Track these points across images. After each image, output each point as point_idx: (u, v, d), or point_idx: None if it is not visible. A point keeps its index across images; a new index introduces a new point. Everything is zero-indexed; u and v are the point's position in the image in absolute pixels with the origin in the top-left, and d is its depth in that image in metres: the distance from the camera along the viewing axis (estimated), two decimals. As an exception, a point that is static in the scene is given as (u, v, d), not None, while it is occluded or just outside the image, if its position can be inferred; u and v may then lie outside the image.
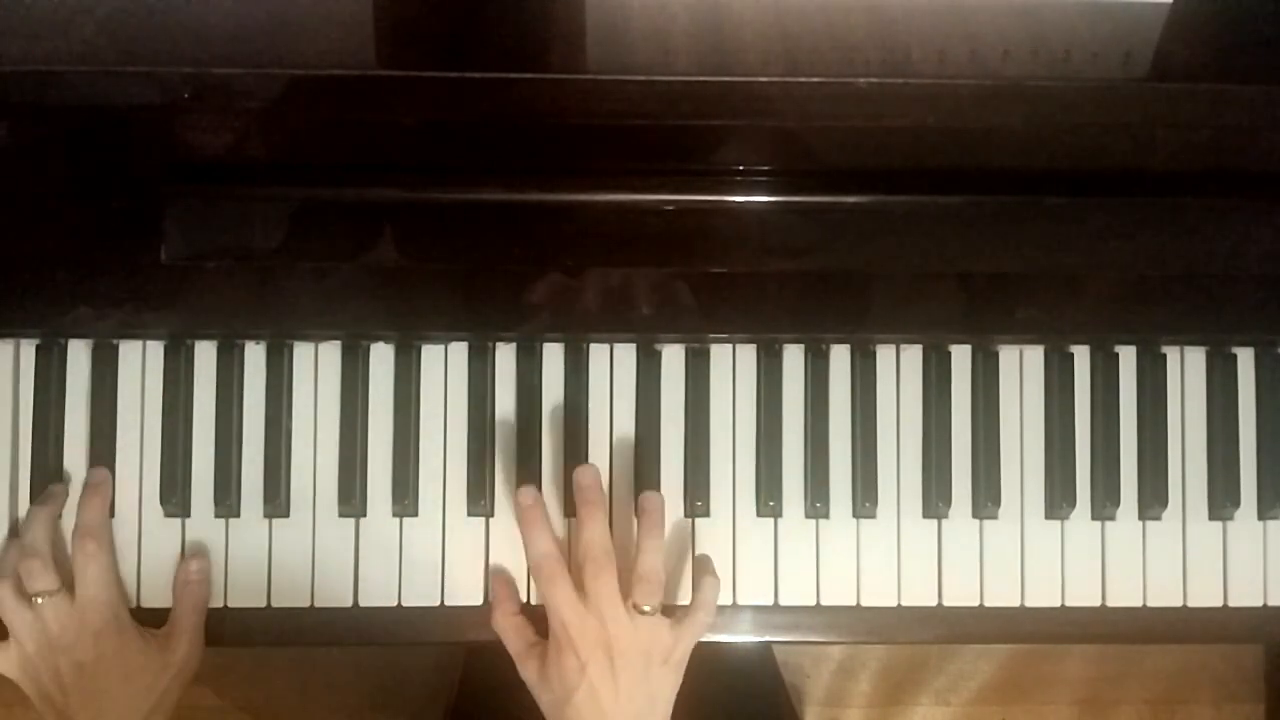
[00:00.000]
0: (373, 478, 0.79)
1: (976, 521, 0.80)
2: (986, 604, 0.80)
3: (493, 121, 0.74)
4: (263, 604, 0.78)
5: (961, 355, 0.81)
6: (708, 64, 0.76)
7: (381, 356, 0.79)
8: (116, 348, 0.79)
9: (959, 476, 0.80)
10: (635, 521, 0.76)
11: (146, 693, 0.74)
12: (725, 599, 0.78)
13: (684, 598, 0.78)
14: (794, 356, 0.80)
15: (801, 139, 0.76)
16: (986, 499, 0.79)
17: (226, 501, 0.78)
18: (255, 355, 0.79)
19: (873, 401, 0.80)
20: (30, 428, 0.78)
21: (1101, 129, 0.76)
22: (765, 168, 0.76)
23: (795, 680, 1.45)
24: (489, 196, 0.75)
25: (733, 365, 0.80)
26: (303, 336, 0.79)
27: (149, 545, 0.78)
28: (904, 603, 0.80)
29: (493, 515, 0.79)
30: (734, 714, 1.00)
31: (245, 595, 0.78)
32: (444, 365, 0.80)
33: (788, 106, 0.74)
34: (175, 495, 0.78)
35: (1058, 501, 0.80)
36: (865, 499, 0.79)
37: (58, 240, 0.76)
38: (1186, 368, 0.81)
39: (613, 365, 0.80)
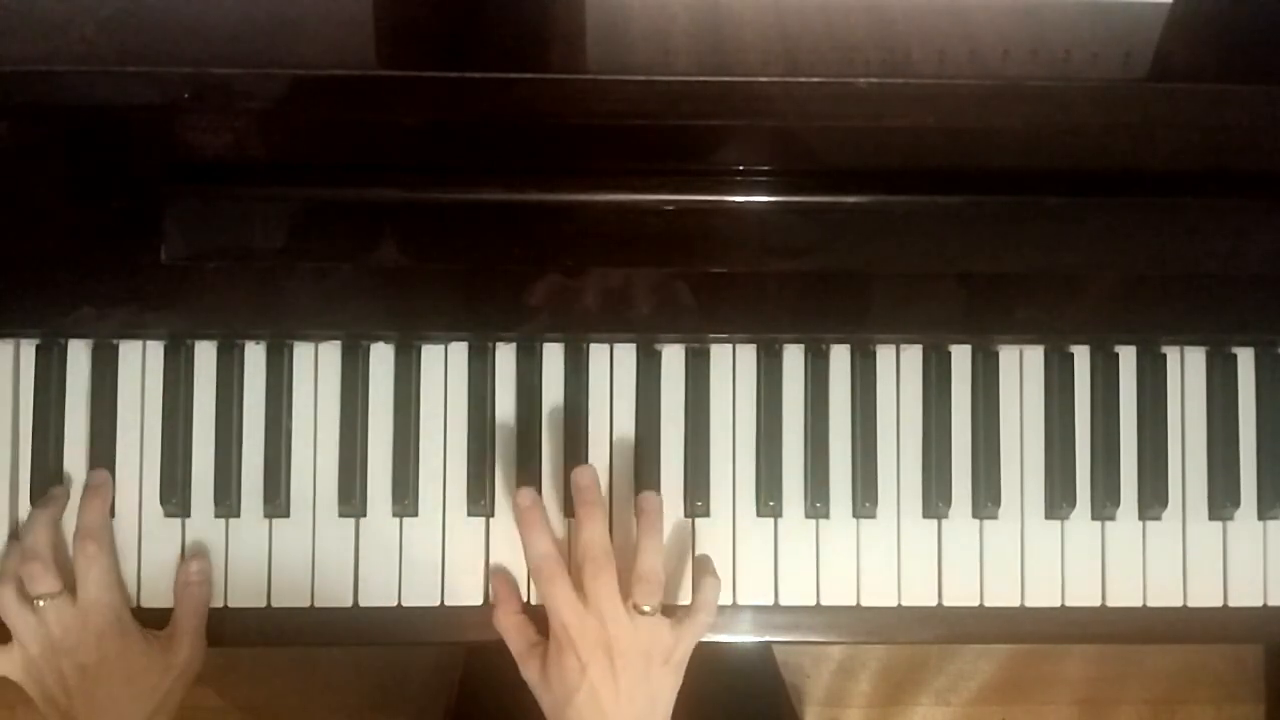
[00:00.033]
0: (373, 478, 0.79)
1: (976, 521, 0.80)
2: (986, 604, 0.80)
3: (493, 121, 0.74)
4: (263, 604, 0.78)
5: (961, 355, 0.81)
6: (708, 64, 0.76)
7: (381, 356, 0.79)
8: (116, 348, 0.79)
9: (959, 476, 0.80)
10: (635, 522, 0.76)
11: (149, 694, 0.74)
12: (725, 599, 0.78)
13: (684, 598, 0.78)
14: (794, 356, 0.80)
15: (801, 139, 0.76)
16: (986, 499, 0.79)
17: (226, 502, 0.78)
18: (255, 355, 0.79)
19: (873, 401, 0.80)
20: (30, 428, 0.78)
21: (1101, 129, 0.76)
22: (765, 168, 0.76)
23: (795, 680, 1.45)
24: (489, 196, 0.75)
25: (733, 365, 0.80)
26: (303, 336, 0.79)
27: (149, 545, 0.78)
28: (904, 603, 0.80)
29: (493, 515, 0.79)
30: (734, 714, 1.00)
31: (245, 595, 0.78)
32: (444, 365, 0.80)
33: (788, 106, 0.74)
34: (175, 495, 0.78)
35: (1058, 501, 0.80)
36: (865, 499, 0.79)
37: (58, 240, 0.76)
38: (1186, 368, 0.81)
39: (613, 365, 0.80)
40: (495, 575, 0.79)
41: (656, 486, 0.79)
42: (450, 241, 0.75)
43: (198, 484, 0.78)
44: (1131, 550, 0.80)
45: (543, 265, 0.76)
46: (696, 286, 0.77)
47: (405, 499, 0.78)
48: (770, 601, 0.79)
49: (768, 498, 0.79)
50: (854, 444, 0.80)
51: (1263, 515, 0.81)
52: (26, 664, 0.74)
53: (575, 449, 0.79)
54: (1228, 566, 0.81)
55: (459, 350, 0.80)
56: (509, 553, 0.78)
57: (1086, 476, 0.80)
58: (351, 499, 0.78)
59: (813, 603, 0.79)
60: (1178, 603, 0.80)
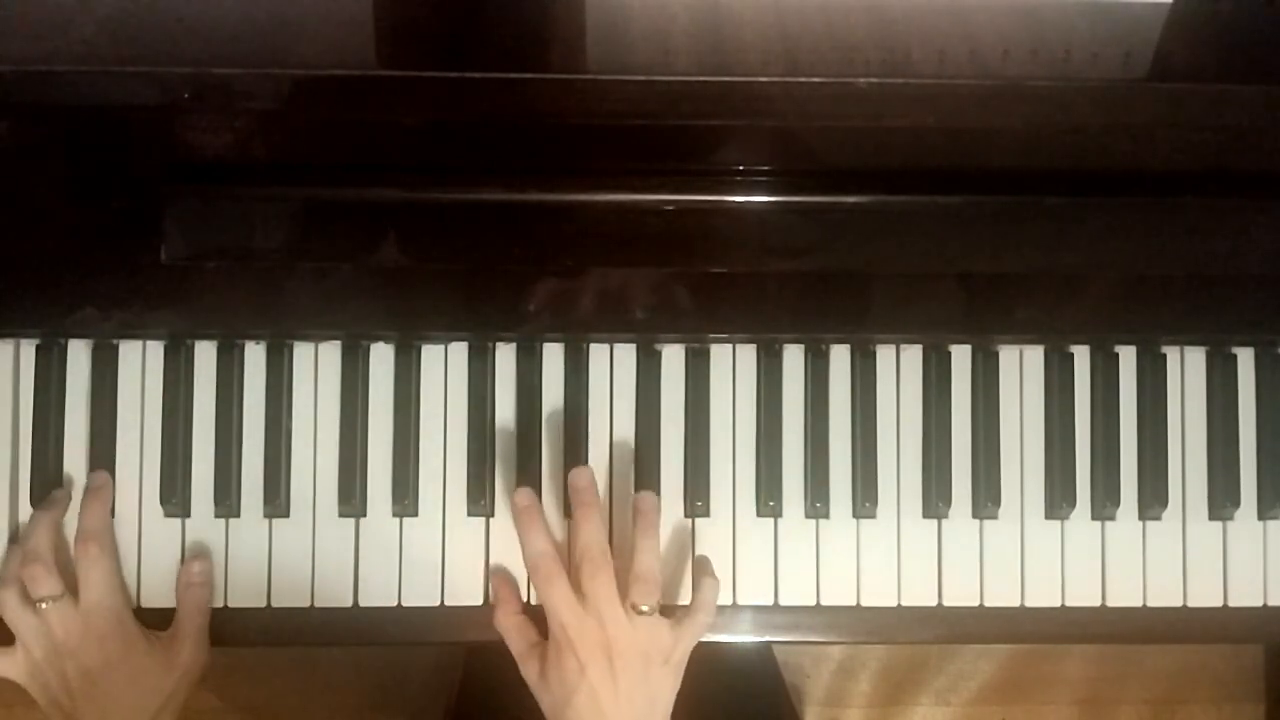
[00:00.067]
0: (373, 478, 0.79)
1: (976, 521, 0.80)
2: (986, 604, 0.80)
3: (493, 121, 0.74)
4: (263, 604, 0.78)
5: (961, 355, 0.81)
6: (708, 64, 0.76)
7: (381, 356, 0.79)
8: (116, 348, 0.79)
9: (959, 476, 0.80)
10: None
11: (153, 695, 0.74)
12: (725, 599, 0.78)
13: (684, 598, 0.78)
14: (794, 356, 0.80)
15: (801, 139, 0.76)
16: (986, 499, 0.79)
17: (226, 502, 0.78)
18: (255, 355, 0.79)
19: (873, 401, 0.80)
20: (30, 428, 0.78)
21: (1101, 129, 0.76)
22: (765, 168, 0.76)
23: (795, 680, 1.45)
24: (489, 196, 0.75)
25: (733, 365, 0.80)
26: (303, 336, 0.79)
27: (149, 546, 0.78)
28: (904, 603, 0.80)
29: (493, 515, 0.79)
30: (734, 714, 1.00)
31: (245, 595, 0.78)
32: (444, 365, 0.80)
33: (788, 106, 0.74)
34: (175, 495, 0.78)
35: (1058, 501, 0.80)
36: (865, 499, 0.79)
37: (58, 240, 0.76)
38: (1186, 368, 0.81)
39: (613, 365, 0.80)
40: (495, 575, 0.79)
41: (656, 486, 0.79)
42: (450, 241, 0.75)
43: (198, 484, 0.78)
44: (1131, 550, 0.80)
45: (543, 265, 0.76)
46: (696, 286, 0.77)
47: (405, 499, 0.78)
48: (770, 601, 0.79)
49: (768, 498, 0.79)
50: (854, 444, 0.80)
51: (1263, 515, 0.81)
52: (30, 667, 0.74)
53: (575, 449, 0.79)
54: (1228, 566, 0.81)
55: (459, 350, 0.80)
56: (509, 553, 0.78)
57: (1086, 476, 0.80)
58: (351, 499, 0.78)
59: (813, 603, 0.79)
60: (1178, 603, 0.80)
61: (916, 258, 0.76)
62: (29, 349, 0.79)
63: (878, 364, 0.80)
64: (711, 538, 0.80)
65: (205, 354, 0.79)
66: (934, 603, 0.80)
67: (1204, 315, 0.78)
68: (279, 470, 0.78)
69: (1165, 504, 0.80)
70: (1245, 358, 0.81)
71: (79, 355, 0.79)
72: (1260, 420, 0.81)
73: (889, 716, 1.46)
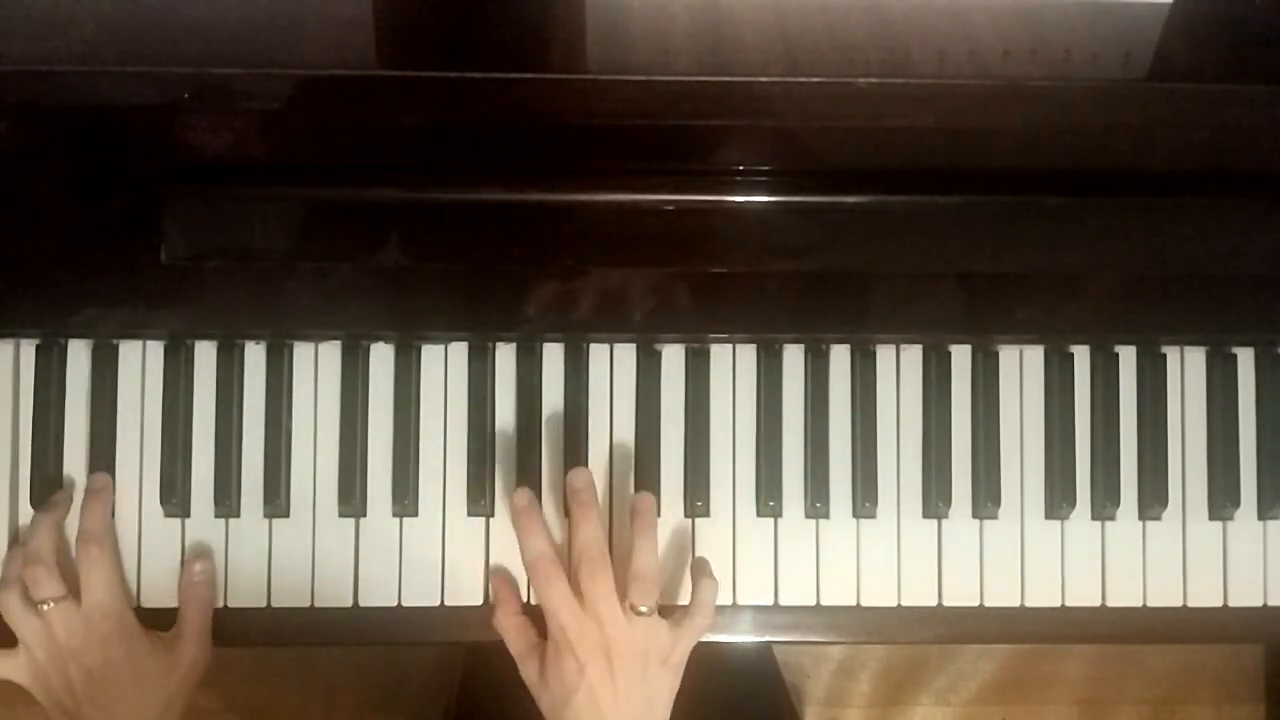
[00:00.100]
0: (373, 478, 0.79)
1: (976, 521, 0.80)
2: (986, 604, 0.80)
3: (493, 121, 0.74)
4: (263, 604, 0.78)
5: (961, 355, 0.81)
6: (708, 64, 0.76)
7: (381, 356, 0.79)
8: (116, 348, 0.79)
9: (959, 476, 0.80)
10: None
11: (156, 696, 0.74)
12: (725, 599, 0.78)
13: (684, 598, 0.78)
14: (794, 356, 0.80)
15: (801, 139, 0.76)
16: (986, 499, 0.79)
17: (226, 502, 0.78)
18: (255, 355, 0.79)
19: (873, 401, 0.80)
20: (30, 428, 0.78)
21: (1101, 129, 0.76)
22: (765, 168, 0.76)
23: (795, 680, 1.45)
24: (489, 196, 0.75)
25: (733, 365, 0.80)
26: (303, 336, 0.79)
27: (149, 546, 0.78)
28: (904, 603, 0.80)
29: (493, 515, 0.79)
30: (734, 714, 1.00)
31: (245, 595, 0.78)
32: (444, 365, 0.80)
33: (788, 106, 0.74)
34: (175, 495, 0.78)
35: (1058, 501, 0.80)
36: (865, 499, 0.79)
37: (58, 240, 0.76)
38: (1186, 368, 0.81)
39: (613, 365, 0.80)
40: (495, 576, 0.79)
41: (656, 487, 0.79)
42: (450, 241, 0.75)
43: (198, 484, 0.78)
44: (1131, 550, 0.80)
45: (543, 265, 0.76)
46: (696, 286, 0.77)
47: (405, 499, 0.78)
48: (770, 601, 0.79)
49: (768, 498, 0.79)
50: (854, 444, 0.80)
51: (1263, 515, 0.81)
52: (33, 669, 0.74)
53: (575, 449, 0.79)
54: (1228, 566, 0.81)
55: (459, 350, 0.80)
56: (509, 553, 0.78)
57: (1086, 476, 0.80)
58: (351, 499, 0.78)
59: (813, 603, 0.79)
60: (1178, 603, 0.80)
61: (916, 258, 0.76)
62: (29, 349, 0.79)
63: (878, 364, 0.80)
64: (711, 538, 0.80)
65: (205, 354, 0.79)
66: (934, 603, 0.80)
67: (1204, 315, 0.78)
68: (279, 470, 0.78)
69: (1165, 504, 0.80)
70: (1245, 358, 0.81)
71: (79, 355, 0.79)
72: (1260, 420, 0.81)
73: (889, 716, 1.46)
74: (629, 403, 0.80)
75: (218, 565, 0.78)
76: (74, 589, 0.74)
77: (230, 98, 0.73)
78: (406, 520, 0.79)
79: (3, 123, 0.74)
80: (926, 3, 0.79)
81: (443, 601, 0.79)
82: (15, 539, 0.78)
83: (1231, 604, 0.80)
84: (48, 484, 0.78)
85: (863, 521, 0.80)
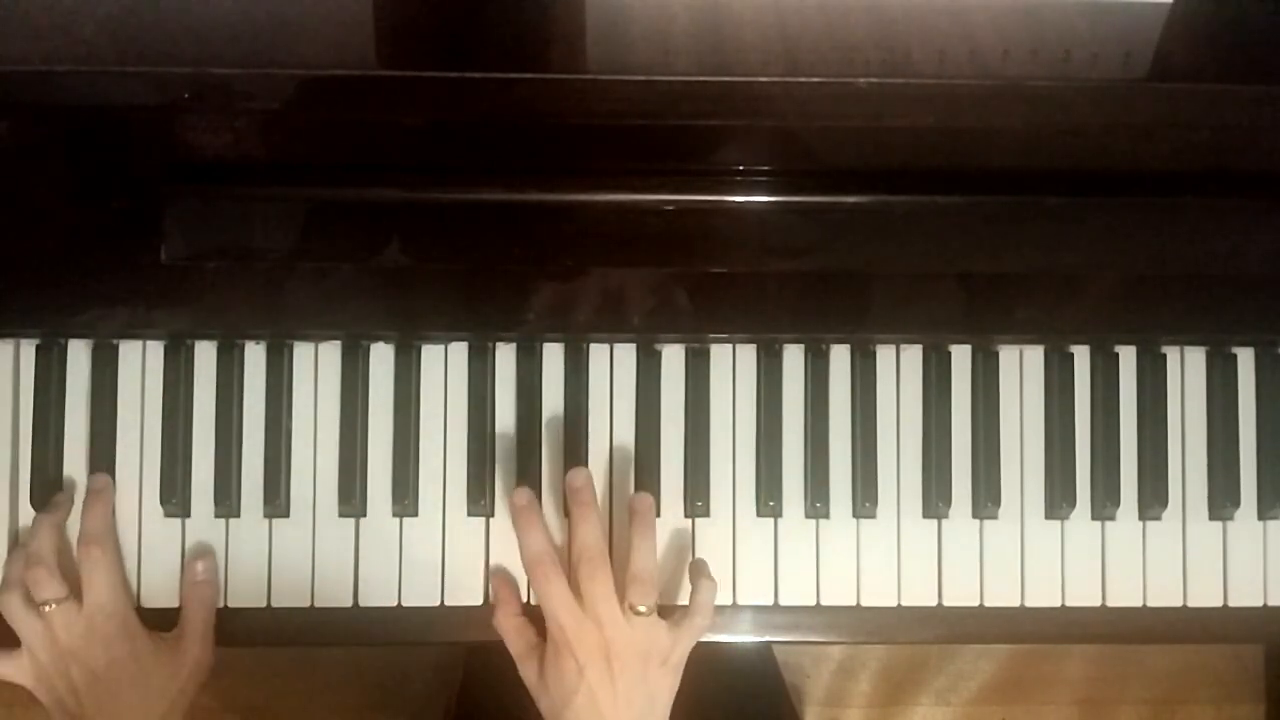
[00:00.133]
0: (373, 478, 0.79)
1: (976, 521, 0.80)
2: (986, 604, 0.80)
3: (493, 121, 0.74)
4: (263, 604, 0.78)
5: (961, 355, 0.81)
6: (708, 64, 0.76)
7: (381, 356, 0.79)
8: (116, 348, 0.79)
9: (959, 476, 0.80)
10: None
11: (159, 696, 0.74)
12: (725, 599, 0.78)
13: (684, 599, 0.78)
14: (794, 356, 0.80)
15: (801, 139, 0.76)
16: (986, 499, 0.79)
17: (226, 502, 0.78)
18: (255, 355, 0.79)
19: (873, 401, 0.80)
20: (30, 428, 0.78)
21: (1101, 129, 0.76)
22: (765, 168, 0.76)
23: (795, 680, 1.45)
24: (489, 196, 0.75)
25: (733, 365, 0.80)
26: (303, 336, 0.79)
27: (149, 546, 0.78)
28: (904, 603, 0.80)
29: (493, 515, 0.79)
30: (734, 714, 1.00)
31: (245, 595, 0.78)
32: (444, 365, 0.80)
33: (788, 106, 0.74)
34: (175, 496, 0.78)
35: (1058, 501, 0.80)
36: (865, 499, 0.79)
37: (58, 240, 0.76)
38: (1186, 368, 0.81)
39: (613, 365, 0.80)
40: (495, 576, 0.79)
41: (656, 487, 0.79)
42: (450, 241, 0.75)
43: (198, 484, 0.78)
44: (1131, 550, 0.80)
45: (543, 265, 0.76)
46: (696, 286, 0.77)
47: (405, 499, 0.78)
48: (770, 601, 0.79)
49: (768, 498, 0.79)
50: (854, 444, 0.80)
51: (1263, 515, 0.81)
52: (36, 670, 0.74)
53: (575, 449, 0.79)
54: (1228, 566, 0.81)
55: (459, 350, 0.80)
56: (509, 553, 0.78)
57: (1086, 476, 0.80)
58: (351, 499, 0.78)
59: (813, 603, 0.79)
60: (1178, 603, 0.80)
61: (916, 258, 0.76)
62: (29, 349, 0.79)
63: (878, 364, 0.80)
64: (711, 538, 0.80)
65: (205, 354, 0.79)
66: (934, 603, 0.80)
67: (1204, 315, 0.78)
68: (279, 470, 0.78)
69: (1165, 504, 0.80)
70: (1245, 358, 0.81)
71: (79, 355, 0.79)
72: (1260, 420, 0.81)
73: (889, 716, 1.46)
74: (629, 403, 0.80)
75: (218, 565, 0.78)
76: (76, 590, 0.74)
77: (230, 98, 0.73)
78: (406, 520, 0.79)
79: (3, 123, 0.74)
80: (926, 3, 0.79)
81: (443, 601, 0.79)
82: (15, 539, 0.78)
83: (1231, 604, 0.80)
84: (48, 484, 0.78)
85: (863, 521, 0.80)
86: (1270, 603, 0.81)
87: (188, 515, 0.79)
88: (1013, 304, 0.78)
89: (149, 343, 0.79)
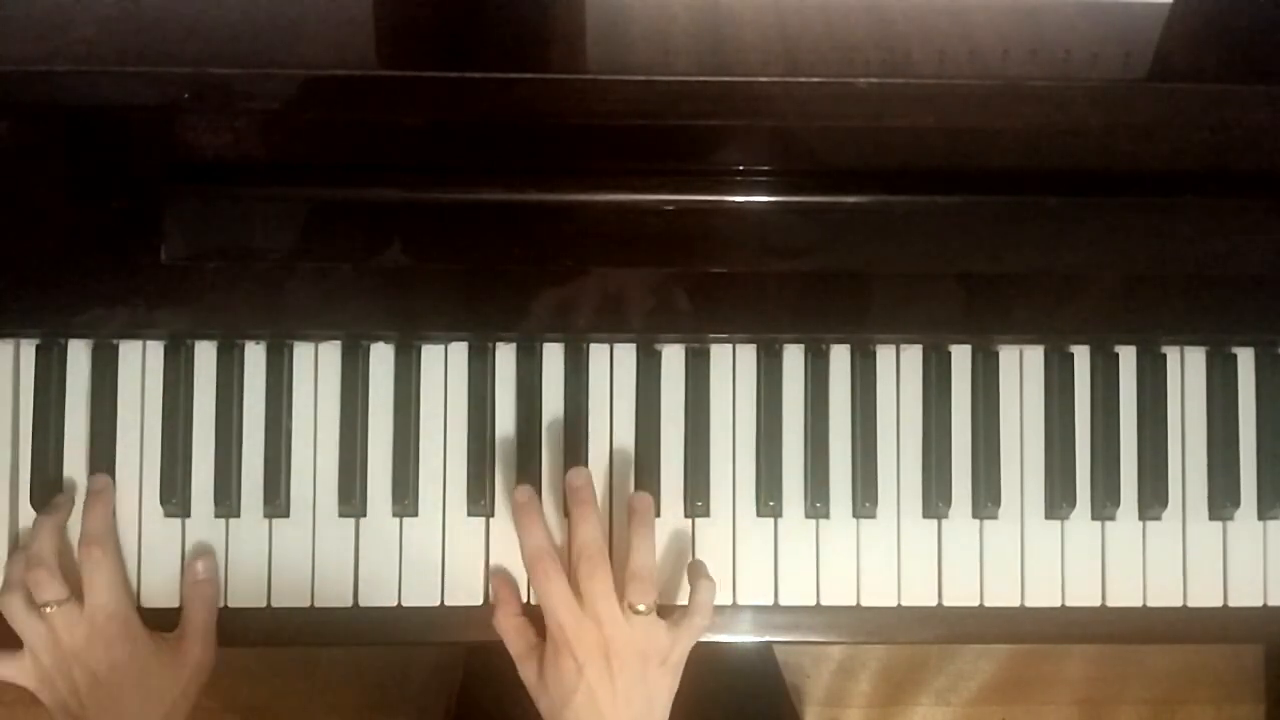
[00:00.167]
0: (373, 478, 0.79)
1: (976, 521, 0.80)
2: (986, 604, 0.80)
3: (493, 121, 0.74)
4: (263, 604, 0.78)
5: (961, 355, 0.81)
6: (708, 64, 0.76)
7: (381, 356, 0.79)
8: (116, 348, 0.79)
9: (959, 476, 0.80)
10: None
11: (162, 697, 0.74)
12: (725, 599, 0.78)
13: (684, 599, 0.78)
14: (794, 356, 0.80)
15: (801, 139, 0.76)
16: (986, 499, 0.79)
17: (226, 502, 0.78)
18: (255, 355, 0.79)
19: (873, 401, 0.80)
20: (30, 428, 0.78)
21: (1101, 129, 0.76)
22: (765, 168, 0.76)
23: (795, 680, 1.45)
24: (489, 196, 0.75)
25: (733, 365, 0.80)
26: (303, 336, 0.79)
27: (149, 546, 0.78)
28: (904, 603, 0.80)
29: (493, 515, 0.79)
30: (734, 714, 1.00)
31: (245, 595, 0.78)
32: (444, 365, 0.80)
33: (788, 106, 0.74)
34: (175, 495, 0.78)
35: (1058, 501, 0.80)
36: (865, 499, 0.79)
37: (58, 240, 0.76)
38: (1186, 368, 0.81)
39: (613, 365, 0.80)
40: (495, 576, 0.79)
41: (656, 487, 0.79)
42: (450, 241, 0.75)
43: (198, 484, 0.78)
44: (1131, 550, 0.80)
45: (543, 265, 0.76)
46: (696, 286, 0.77)
47: (405, 499, 0.78)
48: (770, 601, 0.79)
49: (768, 498, 0.79)
50: (854, 444, 0.80)
51: (1263, 515, 0.81)
52: (38, 672, 0.74)
53: (575, 449, 0.79)
54: (1228, 566, 0.81)
55: (459, 350, 0.80)
56: (509, 553, 0.78)
57: (1086, 476, 0.80)
58: (351, 499, 0.78)
59: (813, 603, 0.79)
60: (1178, 603, 0.80)
61: (916, 258, 0.76)
62: (29, 349, 0.79)
63: (878, 364, 0.80)
64: (711, 538, 0.80)
65: (205, 354, 0.79)
66: (934, 603, 0.80)
67: (1204, 315, 0.78)
68: (279, 470, 0.78)
69: (1165, 504, 0.80)
70: (1245, 358, 0.81)
71: (79, 355, 0.79)
72: (1260, 420, 0.81)
73: (889, 716, 1.46)
74: (629, 403, 0.80)
75: (218, 565, 0.78)
76: (77, 591, 0.74)
77: (230, 98, 0.73)
78: (406, 520, 0.79)
79: (3, 123, 0.74)
80: (926, 3, 0.79)
81: (443, 601, 0.79)
82: (15, 539, 0.78)
83: (1231, 604, 0.80)
84: (47, 484, 0.78)
85: (863, 521, 0.80)
86: (1270, 603, 0.81)
87: (188, 515, 0.79)
88: (1013, 304, 0.78)
89: (149, 343, 0.79)
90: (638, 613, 0.71)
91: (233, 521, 0.79)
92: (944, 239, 0.76)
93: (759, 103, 0.74)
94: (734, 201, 0.75)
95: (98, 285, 0.76)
